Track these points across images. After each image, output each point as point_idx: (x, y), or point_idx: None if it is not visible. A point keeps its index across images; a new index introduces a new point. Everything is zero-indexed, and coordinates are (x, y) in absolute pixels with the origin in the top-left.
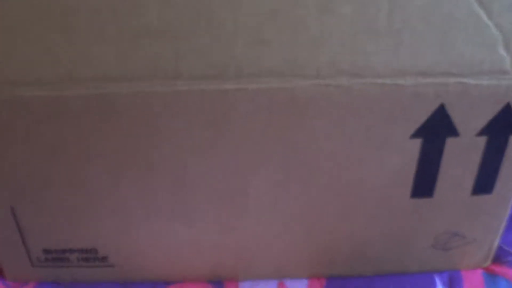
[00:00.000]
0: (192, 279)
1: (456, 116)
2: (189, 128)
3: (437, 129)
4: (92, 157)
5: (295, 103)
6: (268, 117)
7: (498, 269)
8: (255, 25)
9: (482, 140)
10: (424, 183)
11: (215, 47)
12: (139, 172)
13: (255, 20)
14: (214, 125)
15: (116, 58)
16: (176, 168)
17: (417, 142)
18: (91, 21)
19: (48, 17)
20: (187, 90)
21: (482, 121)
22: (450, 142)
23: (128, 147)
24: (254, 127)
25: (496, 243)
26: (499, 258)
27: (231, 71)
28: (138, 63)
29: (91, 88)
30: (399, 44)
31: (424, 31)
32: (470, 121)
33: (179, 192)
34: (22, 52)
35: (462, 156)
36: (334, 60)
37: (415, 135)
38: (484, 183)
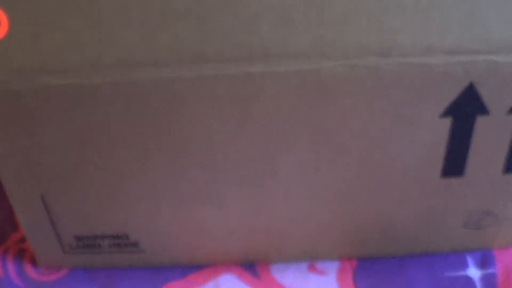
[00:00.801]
0: (224, 262)
1: (486, 94)
2: (217, 111)
3: (466, 108)
4: (120, 143)
5: (323, 84)
6: (296, 98)
7: None
8: (280, 5)
9: None
10: (455, 162)
11: (241, 28)
12: (168, 156)
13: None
14: (242, 107)
15: (141, 42)
16: (205, 151)
17: (447, 121)
18: (115, 6)
19: (71, 3)
20: (213, 74)
21: None
22: (480, 120)
23: (156, 132)
24: (282, 108)
25: None
26: None
27: (258, 52)
28: (164, 47)
29: (117, 75)
30: (427, 21)
31: (452, 8)
32: (501, 99)
33: (208, 175)
34: (46, 39)
35: (492, 135)
36: (361, 40)
37: (445, 114)
38: None
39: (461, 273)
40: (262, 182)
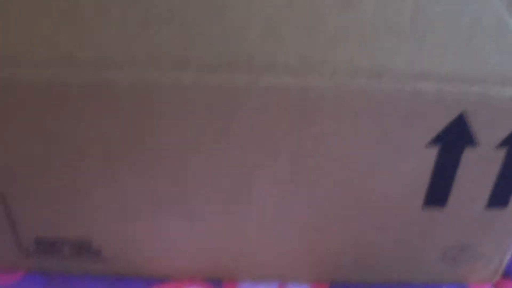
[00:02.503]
0: (190, 277)
1: (477, 125)
2: (193, 122)
3: (455, 138)
4: (90, 145)
5: (308, 102)
6: (278, 115)
7: (507, 284)
8: (269, 16)
9: (502, 152)
10: (438, 193)
11: (226, 37)
12: (139, 163)
13: (270, 11)
14: (220, 120)
15: (120, 43)
16: (178, 163)
17: (434, 151)
18: (96, 6)
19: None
20: (193, 83)
21: (503, 132)
22: (468, 152)
23: (128, 137)
24: (261, 124)
25: (506, 259)
26: (508, 273)
27: (242, 63)
28: (143, 50)
29: (91, 73)
30: (421, 45)
31: (448, 35)
32: (491, 132)
33: (180, 188)
34: (20, 32)
35: (479, 167)
36: (351, 59)
37: (432, 142)
38: (500, 196)
39: None
40: (235, 200)
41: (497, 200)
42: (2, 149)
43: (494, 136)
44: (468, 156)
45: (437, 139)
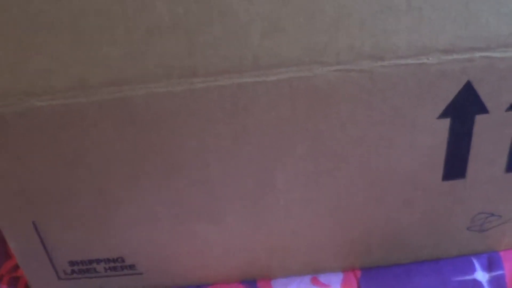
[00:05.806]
0: (224, 280)
1: (484, 92)
2: (210, 125)
3: (465, 107)
4: (112, 163)
5: (317, 91)
6: (290, 107)
7: None
8: (269, 13)
9: None
10: (456, 164)
11: (230, 40)
12: (162, 174)
13: (269, 8)
14: (235, 120)
15: (128, 59)
16: (200, 167)
17: (446, 122)
18: (100, 23)
19: (55, 23)
20: (204, 87)
21: (511, 96)
22: (480, 119)
23: (149, 150)
24: (276, 118)
25: None
26: None
27: (248, 63)
28: (152, 63)
29: (105, 93)
30: (420, 21)
31: (445, 6)
32: (499, 97)
33: (204, 192)
34: (32, 61)
35: (493, 133)
36: (353, 44)
37: (443, 114)
38: None
39: (469, 277)
40: (261, 196)
41: None
42: (29, 177)
43: (503, 100)
44: (480, 124)
45: (448, 111)
